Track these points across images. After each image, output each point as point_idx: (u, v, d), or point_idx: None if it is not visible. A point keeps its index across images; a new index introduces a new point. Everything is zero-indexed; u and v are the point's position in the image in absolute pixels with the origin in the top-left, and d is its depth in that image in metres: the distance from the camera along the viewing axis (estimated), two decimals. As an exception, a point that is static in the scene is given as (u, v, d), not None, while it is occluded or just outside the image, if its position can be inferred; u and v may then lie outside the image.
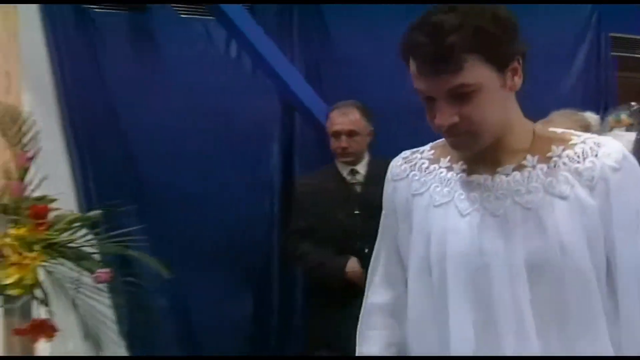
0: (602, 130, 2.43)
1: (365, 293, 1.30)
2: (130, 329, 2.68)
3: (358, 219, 2.56)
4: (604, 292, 1.08)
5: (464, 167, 1.14)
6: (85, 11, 2.91)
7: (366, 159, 2.71)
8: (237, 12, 2.86)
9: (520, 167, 1.10)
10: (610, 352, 1.07)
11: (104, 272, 1.60)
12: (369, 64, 3.18)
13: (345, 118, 2.68)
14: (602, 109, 3.38)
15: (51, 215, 1.68)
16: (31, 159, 1.68)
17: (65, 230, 1.69)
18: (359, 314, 1.29)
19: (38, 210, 1.52)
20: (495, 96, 1.05)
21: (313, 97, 3.10)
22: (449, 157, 1.17)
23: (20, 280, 1.48)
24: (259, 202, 3.19)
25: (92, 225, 1.84)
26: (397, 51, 1.06)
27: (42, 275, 1.62)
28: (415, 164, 1.20)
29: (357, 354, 1.27)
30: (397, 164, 1.23)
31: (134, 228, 1.81)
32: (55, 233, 1.63)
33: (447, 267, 1.10)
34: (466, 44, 0.99)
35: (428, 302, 1.14)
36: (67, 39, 2.81)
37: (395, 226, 1.23)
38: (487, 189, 1.10)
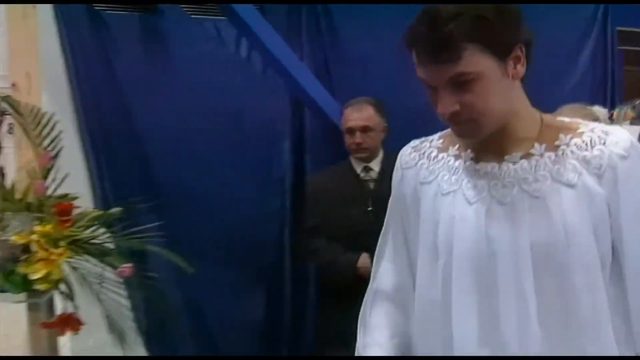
0: (616, 122, 2.45)
1: (371, 279, 1.31)
2: (148, 326, 2.72)
3: (371, 216, 2.57)
4: (608, 280, 1.09)
5: (472, 155, 1.15)
6: (99, 13, 2.94)
7: (380, 156, 2.72)
8: (248, 12, 2.88)
9: (527, 156, 1.11)
10: (613, 342, 1.08)
11: (127, 267, 1.64)
12: (377, 63, 3.20)
13: (359, 114, 2.71)
14: (609, 103, 3.41)
15: (73, 212, 1.72)
16: (54, 158, 1.72)
17: (88, 227, 1.73)
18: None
19: (63, 207, 1.56)
20: (497, 84, 1.05)
21: (324, 95, 3.12)
22: (457, 146, 1.18)
23: (47, 275, 1.53)
24: (270, 200, 3.22)
25: (109, 222, 1.88)
26: (404, 49, 1.08)
27: (66, 271, 1.66)
28: (424, 153, 1.22)
29: (359, 342, 1.28)
30: (406, 153, 1.25)
31: (154, 224, 1.84)
32: (78, 230, 1.66)
33: (453, 253, 1.11)
34: (464, 33, 1.01)
35: (435, 289, 1.15)
36: (81, 41, 2.84)
37: (402, 214, 1.24)
38: (495, 177, 1.11)
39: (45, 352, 1.81)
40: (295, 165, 3.24)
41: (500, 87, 1.06)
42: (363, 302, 1.31)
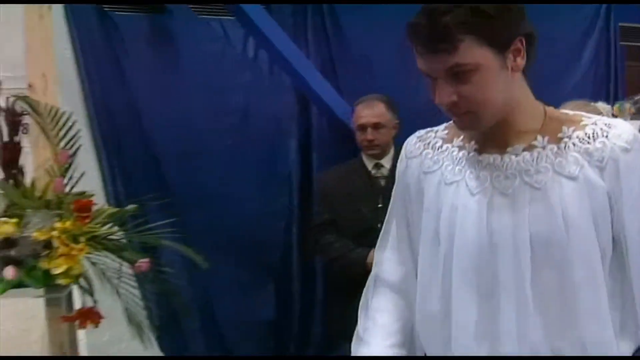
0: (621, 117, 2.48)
1: (373, 267, 1.32)
2: (160, 320, 2.76)
3: (381, 213, 2.57)
4: (607, 274, 1.09)
5: (476, 146, 1.16)
6: (108, 14, 2.98)
7: (391, 153, 2.72)
8: (256, 11, 2.91)
9: (530, 148, 1.11)
10: (611, 334, 1.09)
11: (144, 261, 1.68)
12: (382, 61, 3.23)
13: (371, 111, 2.70)
14: (612, 98, 3.43)
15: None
16: (72, 156, 1.77)
17: (105, 224, 1.77)
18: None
19: (83, 204, 1.60)
20: (495, 76, 1.05)
21: (330, 92, 3.14)
22: (461, 137, 1.19)
23: (68, 270, 1.57)
24: (278, 198, 3.25)
25: (124, 219, 1.92)
26: (407, 44, 1.09)
27: (85, 266, 1.70)
28: (429, 143, 1.23)
29: (359, 326, 1.28)
30: (412, 142, 1.26)
31: (169, 221, 1.88)
32: (96, 226, 1.71)
33: (454, 242, 1.12)
34: (461, 24, 1.01)
35: (436, 276, 1.16)
36: (91, 41, 2.89)
37: (406, 203, 1.25)
38: (497, 169, 1.12)
39: (64, 347, 1.85)
40: (302, 163, 3.27)
41: (499, 79, 1.06)
42: (364, 289, 1.32)
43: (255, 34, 3.08)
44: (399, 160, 1.28)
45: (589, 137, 1.08)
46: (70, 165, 1.76)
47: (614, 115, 2.65)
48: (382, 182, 2.70)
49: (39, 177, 1.87)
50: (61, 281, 1.58)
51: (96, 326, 1.64)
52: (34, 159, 1.91)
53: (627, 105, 2.74)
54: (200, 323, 3.14)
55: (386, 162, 2.72)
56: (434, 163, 1.20)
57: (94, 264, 1.68)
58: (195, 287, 3.03)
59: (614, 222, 1.08)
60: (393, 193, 1.30)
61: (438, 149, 1.21)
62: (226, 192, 3.12)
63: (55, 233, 1.58)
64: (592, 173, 1.07)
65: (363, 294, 1.31)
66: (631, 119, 2.65)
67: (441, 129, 1.24)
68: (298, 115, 3.27)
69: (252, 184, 3.20)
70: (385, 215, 1.24)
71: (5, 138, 1.73)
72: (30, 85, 1.90)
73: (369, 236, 2.60)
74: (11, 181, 1.74)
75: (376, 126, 2.68)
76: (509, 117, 1.11)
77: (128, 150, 2.99)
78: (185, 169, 3.07)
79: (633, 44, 3.82)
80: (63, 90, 2.54)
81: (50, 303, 1.82)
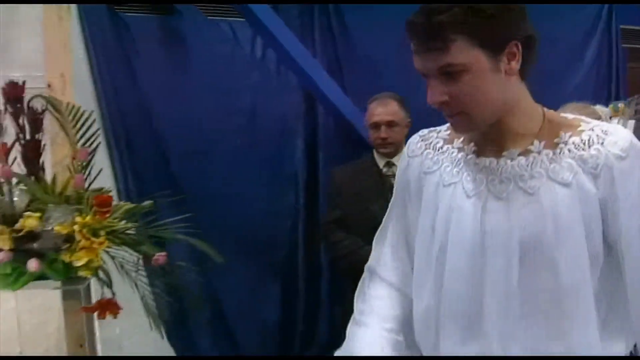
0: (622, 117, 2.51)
1: (370, 258, 1.33)
2: (169, 314, 2.81)
3: None
4: (598, 278, 1.09)
5: (474, 148, 1.16)
6: (119, 15, 3.03)
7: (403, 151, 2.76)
8: (264, 10, 2.95)
9: (526, 152, 1.11)
10: (596, 338, 1.08)
11: (161, 255, 1.74)
12: (388, 60, 3.25)
13: (384, 109, 2.70)
14: (613, 99, 3.47)
15: (109, 205, 1.82)
16: (91, 153, 1.83)
17: (122, 219, 1.83)
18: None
19: (104, 199, 1.66)
20: (487, 79, 1.05)
21: (336, 92, 3.18)
22: (462, 139, 1.19)
23: (89, 262, 1.63)
24: (284, 196, 3.28)
25: (139, 215, 1.98)
26: (409, 46, 1.10)
27: (104, 259, 1.76)
28: (431, 143, 1.24)
29: (355, 311, 1.28)
30: (414, 142, 1.28)
31: (185, 216, 1.94)
32: (114, 221, 1.77)
33: (448, 241, 1.14)
34: (454, 24, 1.01)
35: (429, 274, 1.17)
36: (103, 42, 2.93)
37: (406, 201, 1.27)
38: (493, 172, 1.12)
39: (81, 339, 1.91)
40: (309, 162, 3.30)
41: (491, 82, 1.05)
42: (360, 280, 1.33)
43: (263, 34, 3.12)
44: (401, 158, 1.30)
45: (584, 144, 1.08)
46: (89, 162, 1.81)
47: (611, 117, 2.69)
48: (393, 181, 2.72)
49: (57, 173, 1.93)
50: (82, 273, 1.63)
51: (115, 317, 1.69)
52: (52, 156, 1.96)
53: (621, 105, 2.76)
54: (208, 319, 3.18)
55: (397, 160, 2.74)
56: (433, 163, 1.21)
57: (112, 257, 1.74)
58: (203, 284, 3.07)
59: (611, 228, 1.08)
60: (394, 190, 1.32)
61: (439, 149, 1.22)
62: (233, 191, 3.16)
63: (76, 227, 1.64)
64: (586, 180, 1.07)
65: (359, 284, 1.33)
66: (629, 119, 2.68)
67: (444, 129, 1.25)
68: (304, 114, 3.31)
69: (259, 182, 3.24)
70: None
71: (27, 136, 1.78)
72: (49, 85, 1.96)
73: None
74: (32, 177, 1.79)
75: (390, 124, 2.69)
76: (506, 120, 1.11)
77: (138, 149, 3.03)
78: (194, 167, 3.12)
79: (635, 45, 3.86)
80: (76, 90, 2.61)
81: (68, 296, 1.88)
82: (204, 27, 3.18)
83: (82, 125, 1.83)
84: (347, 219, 2.70)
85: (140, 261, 1.80)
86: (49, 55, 1.99)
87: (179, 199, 2.95)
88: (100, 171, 1.91)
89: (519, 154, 1.11)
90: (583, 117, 1.14)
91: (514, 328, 1.08)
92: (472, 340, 1.12)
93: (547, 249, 1.06)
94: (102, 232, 1.66)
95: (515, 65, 1.07)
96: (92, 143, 1.85)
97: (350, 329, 1.29)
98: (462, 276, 1.12)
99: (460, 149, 1.18)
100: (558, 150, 1.09)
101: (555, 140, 1.10)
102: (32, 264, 1.63)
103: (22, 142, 1.78)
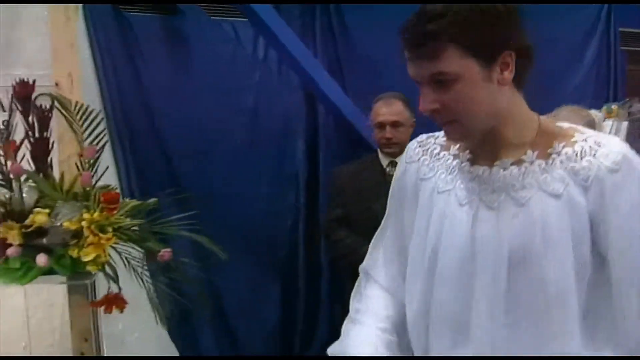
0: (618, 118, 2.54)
1: (366, 259, 1.34)
2: (170, 312, 2.84)
3: None
4: (584, 291, 1.08)
5: (469, 156, 1.16)
6: (124, 14, 3.05)
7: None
8: (266, 10, 2.97)
9: (518, 162, 1.10)
10: (579, 350, 1.08)
11: (166, 251, 1.77)
12: (388, 61, 3.28)
13: (390, 109, 2.69)
14: (611, 100, 3.51)
15: (115, 202, 1.85)
16: (98, 151, 1.86)
17: (128, 216, 1.86)
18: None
19: (111, 196, 1.70)
20: (478, 88, 1.04)
21: (337, 91, 3.20)
22: (458, 145, 1.19)
23: (96, 258, 1.66)
24: (285, 195, 3.30)
25: (144, 212, 2.01)
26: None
27: (110, 255, 1.79)
28: (428, 149, 1.24)
29: (351, 310, 1.30)
30: (412, 147, 1.27)
31: (190, 213, 1.97)
32: (121, 217, 1.80)
33: (440, 248, 1.14)
34: (445, 33, 1.00)
35: (420, 280, 1.18)
36: (108, 41, 2.96)
37: (401, 208, 1.27)
38: (485, 181, 1.12)
39: (86, 334, 1.94)
40: (309, 162, 3.33)
41: (483, 91, 1.05)
42: (356, 281, 1.34)
43: (264, 34, 3.14)
44: (399, 163, 1.30)
45: (576, 155, 1.07)
46: (96, 160, 1.84)
47: (605, 118, 2.72)
48: None
49: (63, 170, 1.96)
50: (90, 268, 1.67)
51: (121, 311, 1.72)
52: (59, 154, 1.99)
53: (614, 107, 2.78)
54: (210, 317, 3.20)
55: None
56: (429, 170, 1.21)
57: (119, 253, 1.77)
58: (204, 282, 3.10)
59: (602, 240, 1.07)
60: (389, 195, 1.32)
61: (435, 156, 1.22)
62: (235, 190, 3.18)
63: (84, 223, 1.68)
64: (576, 192, 1.06)
65: (355, 285, 1.34)
66: (622, 121, 2.71)
67: (441, 135, 1.24)
68: (305, 115, 3.33)
69: (260, 182, 3.26)
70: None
71: (36, 134, 1.81)
72: (56, 84, 1.99)
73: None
74: (41, 174, 1.82)
75: (395, 124, 2.68)
76: (499, 129, 1.10)
77: (141, 148, 3.06)
78: (196, 166, 3.14)
79: (633, 48, 3.90)
80: (83, 89, 2.64)
81: (74, 290, 1.91)
82: (207, 27, 3.21)
83: (90, 123, 1.86)
84: (349, 217, 2.71)
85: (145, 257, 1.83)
86: (56, 55, 2.01)
87: (181, 197, 3.01)
88: (106, 169, 1.94)
89: (512, 164, 1.11)
90: (579, 127, 1.13)
91: (501, 335, 1.09)
92: (462, 345, 1.13)
93: (535, 260, 1.06)
94: (109, 229, 1.69)
95: (509, 75, 1.06)
96: (99, 141, 1.88)
97: (345, 326, 1.30)
98: (451, 283, 1.13)
99: (455, 156, 1.19)
100: (550, 161, 1.08)
101: (549, 151, 1.09)
102: (41, 259, 1.66)
103: (31, 140, 1.81)
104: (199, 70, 3.18)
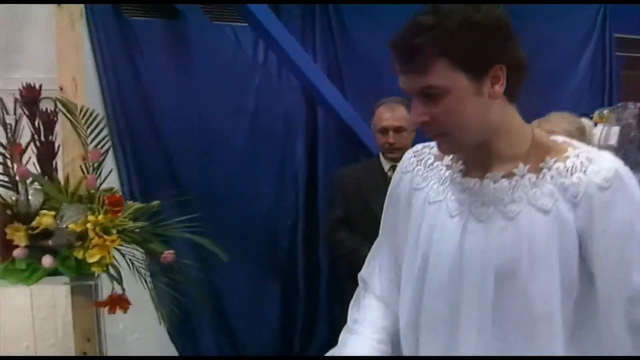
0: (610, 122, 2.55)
1: (365, 265, 1.35)
2: (171, 312, 2.86)
3: None
4: (571, 308, 1.07)
5: (462, 167, 1.15)
6: (125, 18, 3.07)
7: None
8: (265, 13, 2.98)
9: (509, 175, 1.09)
10: None
11: (169, 253, 1.80)
12: (387, 61, 3.30)
13: (393, 114, 2.67)
14: (606, 104, 3.54)
15: (118, 205, 1.89)
16: (103, 155, 1.89)
17: (132, 218, 1.90)
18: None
19: (116, 199, 1.73)
20: (468, 102, 1.03)
21: (336, 94, 3.21)
22: (451, 156, 1.18)
23: (101, 259, 1.69)
24: (285, 196, 3.31)
25: (147, 214, 2.04)
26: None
27: (114, 257, 1.83)
28: (422, 159, 1.24)
29: (349, 319, 1.30)
30: (407, 157, 1.27)
31: (192, 216, 2.00)
32: (125, 220, 1.83)
33: (429, 259, 1.14)
34: (434, 47, 1.00)
35: (411, 291, 1.18)
36: (110, 44, 2.97)
37: (395, 217, 1.27)
38: (475, 194, 1.11)
39: (90, 333, 1.97)
40: (309, 163, 3.34)
41: (473, 105, 1.04)
42: (356, 291, 1.34)
43: (264, 37, 3.16)
44: (395, 173, 1.30)
45: (567, 171, 1.05)
46: (101, 163, 1.88)
47: (596, 124, 2.73)
48: None
49: (68, 173, 1.99)
50: (95, 269, 1.70)
51: (125, 312, 1.75)
52: (64, 157, 2.02)
53: (606, 112, 2.77)
54: (210, 317, 3.21)
55: None
56: (422, 180, 1.21)
57: (123, 255, 1.80)
58: (204, 282, 3.12)
59: (590, 257, 1.05)
60: (385, 205, 1.32)
61: (429, 166, 1.22)
62: (235, 191, 3.20)
63: (89, 225, 1.71)
64: (566, 208, 1.04)
65: (355, 295, 1.35)
66: (613, 126, 2.72)
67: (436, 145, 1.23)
68: (305, 116, 3.35)
69: (260, 183, 3.28)
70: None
71: (42, 137, 1.85)
72: (61, 88, 2.01)
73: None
74: (46, 177, 1.86)
75: (398, 130, 2.66)
76: (492, 142, 1.10)
77: (143, 150, 3.08)
78: (197, 168, 3.16)
79: (628, 54, 3.91)
80: (87, 93, 2.66)
81: (77, 291, 1.94)
82: (208, 31, 3.23)
83: (95, 127, 1.89)
84: (350, 219, 2.73)
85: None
86: (61, 59, 2.04)
87: (183, 199, 3.04)
88: (110, 172, 1.97)
89: (503, 176, 1.10)
90: (574, 142, 1.12)
91: (489, 348, 1.09)
92: (451, 355, 1.13)
93: (521, 275, 1.06)
94: (114, 231, 1.73)
95: (500, 89, 1.05)
96: (104, 145, 1.91)
97: (342, 336, 1.30)
98: (441, 293, 1.13)
99: (448, 167, 1.18)
100: (541, 175, 1.07)
101: (540, 165, 1.08)
102: (47, 260, 1.69)
103: (37, 143, 1.84)
104: (201, 74, 3.19)
